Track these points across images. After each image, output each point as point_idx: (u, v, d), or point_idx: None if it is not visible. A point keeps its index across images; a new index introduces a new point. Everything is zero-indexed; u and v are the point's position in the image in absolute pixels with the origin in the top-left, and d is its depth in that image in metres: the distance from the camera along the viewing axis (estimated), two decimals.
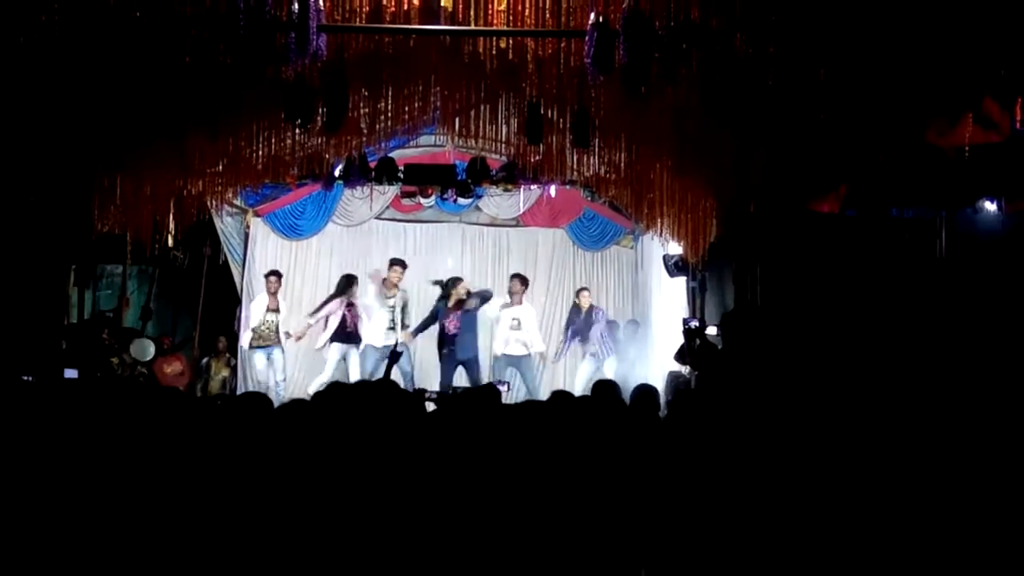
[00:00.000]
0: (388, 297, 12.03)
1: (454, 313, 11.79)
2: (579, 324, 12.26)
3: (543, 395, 11.50)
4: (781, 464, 3.37)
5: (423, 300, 12.54)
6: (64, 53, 6.68)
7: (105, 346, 10.93)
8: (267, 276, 12.26)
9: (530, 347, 12.14)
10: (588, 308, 12.33)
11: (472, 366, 11.66)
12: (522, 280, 12.40)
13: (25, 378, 7.91)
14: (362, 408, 2.70)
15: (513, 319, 12.14)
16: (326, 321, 11.93)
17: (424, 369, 12.46)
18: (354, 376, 11.63)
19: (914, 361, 7.08)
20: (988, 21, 5.64)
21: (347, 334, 11.93)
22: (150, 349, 11.40)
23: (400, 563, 2.45)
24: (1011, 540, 2.96)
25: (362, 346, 11.98)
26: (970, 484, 3.29)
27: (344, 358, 11.94)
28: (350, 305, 11.99)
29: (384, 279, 12.17)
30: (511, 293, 12.29)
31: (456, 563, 2.55)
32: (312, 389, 11.29)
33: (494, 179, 11.49)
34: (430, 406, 7.59)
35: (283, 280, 12.42)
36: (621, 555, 2.80)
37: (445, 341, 11.83)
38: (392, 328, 11.96)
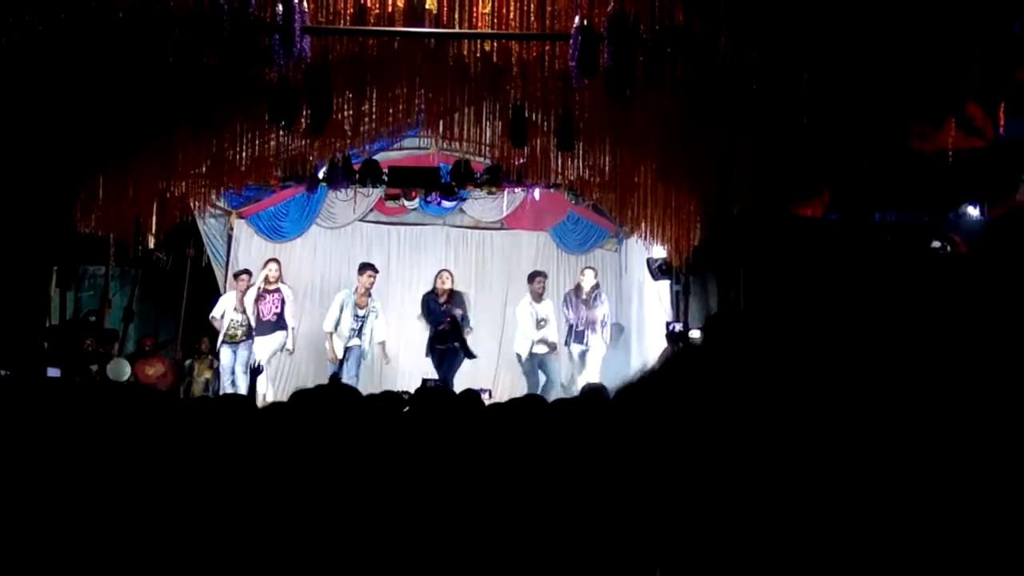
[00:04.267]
0: (360, 307, 11.62)
1: (448, 306, 11.56)
2: (577, 304, 11.97)
3: (569, 386, 11.40)
4: (765, 468, 3.37)
5: (409, 302, 12.53)
6: (48, 53, 6.66)
7: (88, 352, 10.86)
8: (237, 275, 11.87)
9: (551, 344, 11.88)
10: (591, 288, 12.03)
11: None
12: (545, 276, 12.26)
13: (1, 373, 7.88)
14: (340, 412, 2.69)
15: (541, 319, 11.89)
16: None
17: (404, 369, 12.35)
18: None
19: (898, 365, 7.09)
20: (971, 26, 5.67)
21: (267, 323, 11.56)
22: (126, 370, 11.24)
23: (393, 564, 2.44)
24: (994, 537, 2.97)
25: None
26: (956, 488, 3.30)
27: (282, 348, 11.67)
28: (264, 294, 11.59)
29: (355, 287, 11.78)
30: (537, 293, 12.03)
31: (453, 567, 2.54)
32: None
33: (478, 182, 11.48)
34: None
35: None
36: (633, 555, 2.79)
37: (437, 337, 11.55)
38: (357, 336, 11.55)
